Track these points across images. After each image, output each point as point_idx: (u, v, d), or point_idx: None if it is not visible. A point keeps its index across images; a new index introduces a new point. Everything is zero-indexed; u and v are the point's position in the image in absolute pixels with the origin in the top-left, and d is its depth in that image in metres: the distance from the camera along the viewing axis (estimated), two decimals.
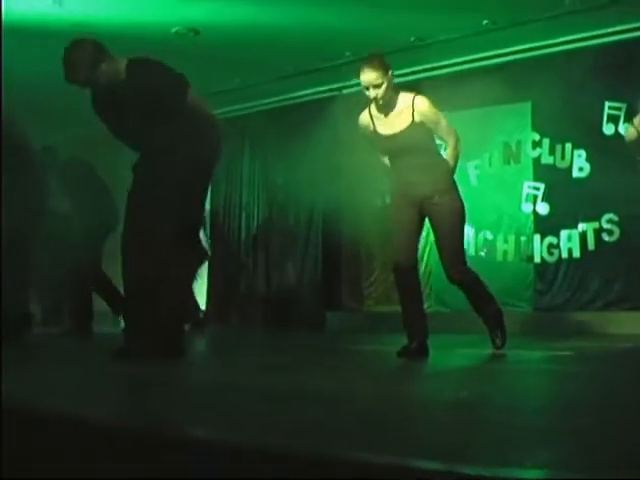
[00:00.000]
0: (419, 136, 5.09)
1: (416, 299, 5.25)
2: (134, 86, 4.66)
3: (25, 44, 8.95)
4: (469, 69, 9.45)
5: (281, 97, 11.16)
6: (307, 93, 10.95)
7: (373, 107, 5.22)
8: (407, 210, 5.16)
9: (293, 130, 10.99)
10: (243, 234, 11.65)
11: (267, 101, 11.34)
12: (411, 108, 5.08)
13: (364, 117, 5.27)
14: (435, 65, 9.52)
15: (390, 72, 5.05)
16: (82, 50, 4.67)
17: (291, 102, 11.20)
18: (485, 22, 8.46)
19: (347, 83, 10.28)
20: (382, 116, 5.16)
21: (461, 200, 5.25)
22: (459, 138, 5.23)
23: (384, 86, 4.99)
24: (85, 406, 2.65)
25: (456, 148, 5.19)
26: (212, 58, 8.54)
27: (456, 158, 5.23)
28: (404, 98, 5.15)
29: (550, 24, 8.33)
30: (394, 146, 5.14)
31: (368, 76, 4.98)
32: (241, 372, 4.26)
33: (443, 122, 5.17)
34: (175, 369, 4.29)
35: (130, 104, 4.65)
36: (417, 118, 5.07)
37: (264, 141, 11.56)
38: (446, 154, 5.30)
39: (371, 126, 5.21)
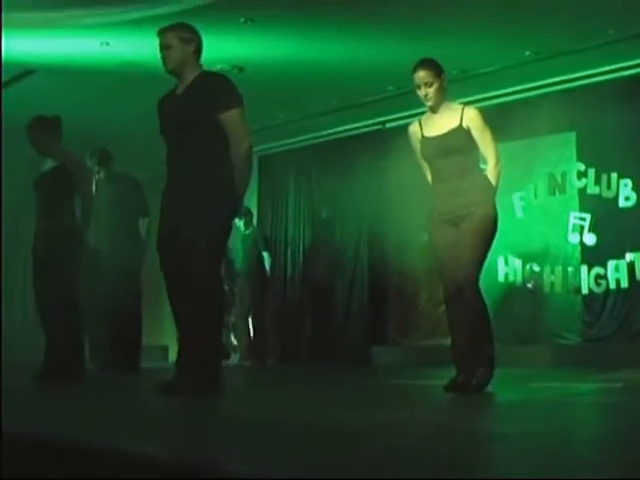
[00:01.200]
0: (463, 141, 5.10)
1: (463, 330, 5.14)
2: (194, 87, 4.77)
3: (74, 83, 9.12)
4: (512, 101, 9.45)
5: (325, 132, 11.23)
6: (351, 127, 11.01)
7: (424, 117, 5.31)
8: (446, 231, 5.10)
9: (337, 165, 11.04)
10: (289, 269, 11.67)
11: (311, 136, 11.41)
12: (460, 113, 5.14)
13: (413, 125, 5.37)
14: (478, 97, 9.51)
15: (443, 75, 5.16)
16: (187, 28, 4.91)
17: (335, 136, 11.26)
18: (528, 53, 8.46)
19: (390, 117, 10.33)
20: (431, 120, 5.23)
21: (496, 216, 5.10)
22: (500, 159, 5.18)
23: (435, 86, 5.11)
24: (127, 441, 2.67)
25: (496, 167, 5.14)
26: (257, 94, 8.58)
27: (496, 178, 5.14)
28: (455, 106, 5.24)
29: (593, 54, 8.32)
30: (437, 148, 5.15)
31: (420, 74, 5.13)
32: (286, 408, 4.26)
33: (489, 134, 5.16)
34: (216, 404, 4.30)
35: (184, 104, 4.74)
36: (465, 123, 5.11)
37: (309, 176, 11.61)
38: (487, 172, 5.23)
39: (419, 133, 5.27)
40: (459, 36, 7.89)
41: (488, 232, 5.06)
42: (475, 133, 5.11)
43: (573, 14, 7.51)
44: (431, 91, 5.12)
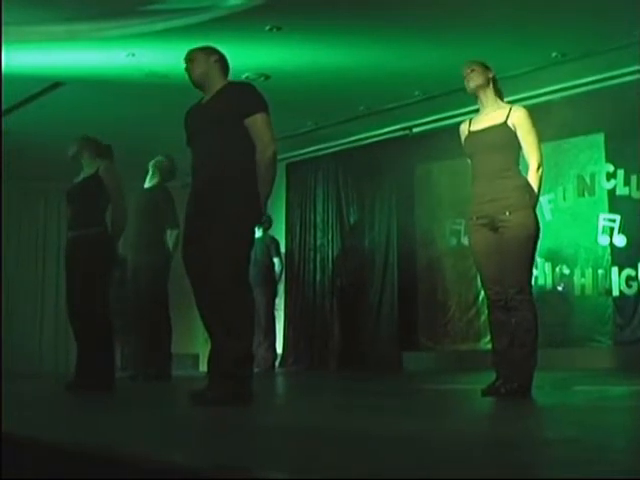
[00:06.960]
0: (504, 139, 5.06)
1: (506, 337, 4.98)
2: (220, 95, 4.79)
3: (102, 94, 9.19)
4: (539, 103, 9.38)
5: (352, 138, 11.22)
6: (377, 133, 10.99)
7: (475, 115, 5.35)
8: (484, 235, 5.04)
9: (365, 171, 11.05)
10: (318, 276, 11.66)
11: (338, 142, 11.41)
12: (507, 111, 5.14)
13: (464, 123, 5.41)
14: (505, 100, 9.48)
15: (489, 70, 5.26)
16: (207, 47, 4.96)
17: (362, 143, 11.25)
18: (554, 54, 8.42)
19: (417, 122, 10.30)
20: (479, 117, 5.26)
21: (537, 221, 5.03)
22: (542, 164, 5.09)
23: (476, 71, 5.20)
24: (157, 450, 2.68)
25: (538, 171, 5.05)
26: (283, 102, 8.62)
27: (538, 183, 5.05)
28: (504, 105, 5.26)
29: (618, 54, 8.25)
30: (478, 142, 5.14)
31: (466, 63, 5.29)
32: (324, 416, 4.25)
33: (534, 136, 5.10)
34: (245, 413, 4.30)
35: (209, 112, 4.76)
36: (510, 120, 5.09)
37: (336, 182, 11.61)
38: (528, 176, 5.12)
39: (466, 130, 5.29)
40: (484, 40, 7.87)
41: (531, 240, 4.99)
42: (520, 133, 5.08)
43: (598, 15, 7.47)
44: (472, 74, 5.20)
